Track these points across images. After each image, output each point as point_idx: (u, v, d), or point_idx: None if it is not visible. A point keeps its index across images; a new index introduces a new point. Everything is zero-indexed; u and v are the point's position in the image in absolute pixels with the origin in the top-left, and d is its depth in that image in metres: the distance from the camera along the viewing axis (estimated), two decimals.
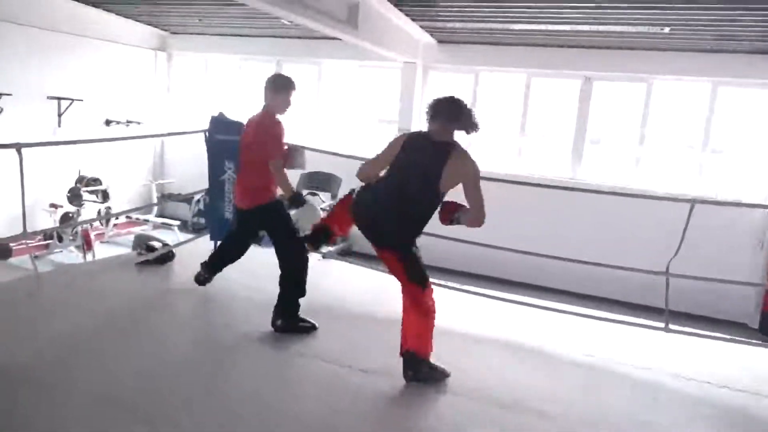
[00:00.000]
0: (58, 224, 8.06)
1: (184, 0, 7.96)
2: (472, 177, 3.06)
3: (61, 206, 8.29)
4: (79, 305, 3.91)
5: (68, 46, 8.84)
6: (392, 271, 3.27)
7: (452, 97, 3.20)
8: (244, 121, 4.18)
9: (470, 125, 3.15)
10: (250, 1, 5.17)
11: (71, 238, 8.06)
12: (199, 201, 9.67)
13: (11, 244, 7.61)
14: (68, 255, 8.16)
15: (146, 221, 9.50)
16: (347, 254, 8.17)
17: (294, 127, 9.52)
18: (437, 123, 3.14)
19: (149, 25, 10.05)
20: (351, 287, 4.85)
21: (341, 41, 7.54)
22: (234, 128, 4.61)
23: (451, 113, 3.13)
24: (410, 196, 3.09)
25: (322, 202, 8.46)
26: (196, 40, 10.49)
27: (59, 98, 8.80)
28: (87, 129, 9.03)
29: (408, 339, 3.21)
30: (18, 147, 3.82)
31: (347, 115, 9.79)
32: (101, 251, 7.74)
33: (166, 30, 10.42)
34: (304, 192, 8.64)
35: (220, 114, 5.02)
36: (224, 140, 4.81)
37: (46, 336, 3.40)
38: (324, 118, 9.88)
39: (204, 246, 5.12)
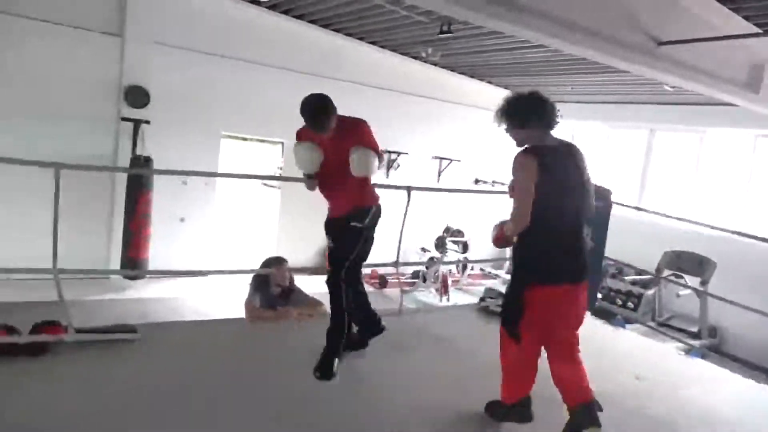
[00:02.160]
0: (424, 267, 9.16)
1: (558, 70, 8.23)
2: None
3: (429, 251, 9.42)
4: (424, 345, 4.19)
5: (449, 112, 10.13)
6: (576, 314, 2.79)
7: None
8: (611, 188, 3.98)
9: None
10: (659, 77, 5.02)
11: (433, 280, 9.05)
12: None
13: (387, 277, 9.09)
14: (427, 295, 9.17)
15: (497, 276, 9.97)
16: (715, 351, 6.91)
17: (670, 199, 8.77)
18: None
19: None
20: (723, 401, 3.92)
21: (732, 107, 6.59)
22: (601, 195, 4.43)
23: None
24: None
25: (685, 288, 7.36)
26: (564, 107, 10.69)
27: (441, 158, 10.15)
28: (459, 186, 10.13)
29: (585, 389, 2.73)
30: (408, 189, 4.53)
31: (735, 189, 8.42)
32: (455, 297, 8.44)
33: None
34: (666, 273, 7.69)
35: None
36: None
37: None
38: (706, 191, 8.70)
39: None
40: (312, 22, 7.82)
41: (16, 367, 2.94)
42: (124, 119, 6.99)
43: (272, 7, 7.49)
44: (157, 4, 7.05)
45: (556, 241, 2.68)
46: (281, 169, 9.76)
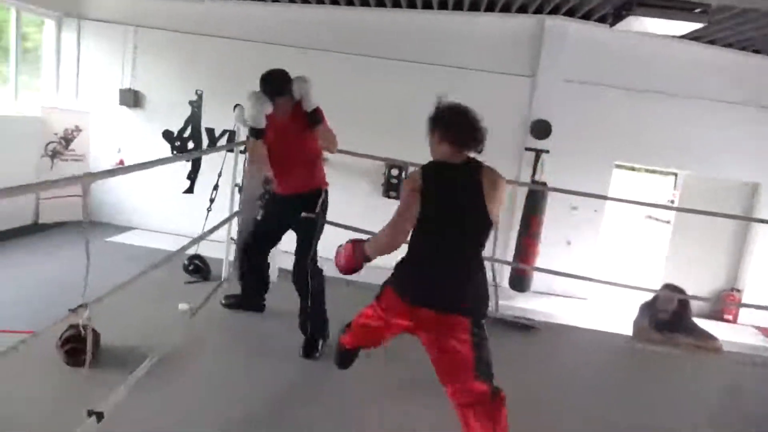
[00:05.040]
0: None
1: None
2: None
3: None
4: None
5: None
6: (451, 361, 2.26)
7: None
8: None
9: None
10: None
11: None
12: None
13: None
14: None
15: None
16: None
17: None
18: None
19: None
20: None
21: None
22: None
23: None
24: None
25: None
26: None
27: None
28: None
29: None
30: None
31: None
32: None
33: None
34: None
35: None
36: None
37: None
38: None
39: None
40: (727, 45, 7.35)
41: None
42: (527, 149, 7.97)
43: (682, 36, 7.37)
44: (570, 46, 7.79)
45: (427, 264, 2.35)
46: (672, 202, 9.34)
